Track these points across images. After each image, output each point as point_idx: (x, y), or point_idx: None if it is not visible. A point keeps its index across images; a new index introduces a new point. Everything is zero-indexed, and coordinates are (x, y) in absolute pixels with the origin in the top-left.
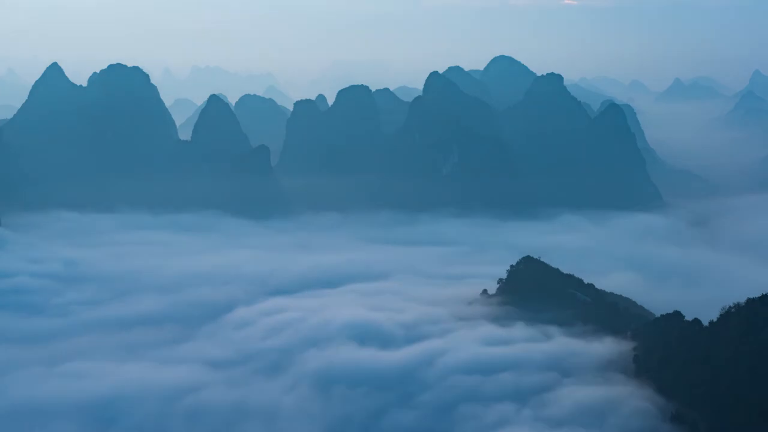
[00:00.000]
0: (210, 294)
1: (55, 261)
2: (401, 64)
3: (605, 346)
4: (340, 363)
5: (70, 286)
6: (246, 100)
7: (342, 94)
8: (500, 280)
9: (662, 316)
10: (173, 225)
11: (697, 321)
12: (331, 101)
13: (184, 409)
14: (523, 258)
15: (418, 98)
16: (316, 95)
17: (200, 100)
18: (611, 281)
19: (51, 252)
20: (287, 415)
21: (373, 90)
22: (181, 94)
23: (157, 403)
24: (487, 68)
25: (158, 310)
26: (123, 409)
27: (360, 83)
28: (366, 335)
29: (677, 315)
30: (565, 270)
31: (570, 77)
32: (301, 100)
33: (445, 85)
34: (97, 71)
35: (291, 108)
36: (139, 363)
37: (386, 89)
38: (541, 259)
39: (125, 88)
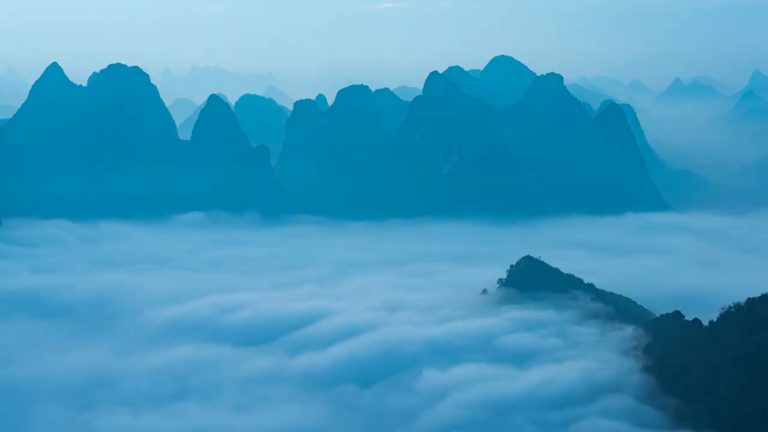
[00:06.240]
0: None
1: (54, 262)
2: (401, 64)
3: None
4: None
5: (66, 288)
6: (246, 100)
7: (342, 94)
8: (500, 279)
9: (662, 316)
10: (172, 225)
11: (697, 321)
12: (331, 101)
13: None
14: (523, 258)
15: (418, 98)
16: (316, 95)
17: (200, 100)
18: (611, 281)
19: (50, 252)
20: None
21: (373, 90)
22: (181, 94)
23: None
24: (487, 68)
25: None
26: None
27: (360, 83)
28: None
29: (677, 315)
30: (564, 270)
31: (570, 77)
32: (301, 100)
33: (445, 85)
34: (97, 71)
35: (291, 108)
36: None
37: (386, 89)
38: (541, 259)
39: (125, 88)
